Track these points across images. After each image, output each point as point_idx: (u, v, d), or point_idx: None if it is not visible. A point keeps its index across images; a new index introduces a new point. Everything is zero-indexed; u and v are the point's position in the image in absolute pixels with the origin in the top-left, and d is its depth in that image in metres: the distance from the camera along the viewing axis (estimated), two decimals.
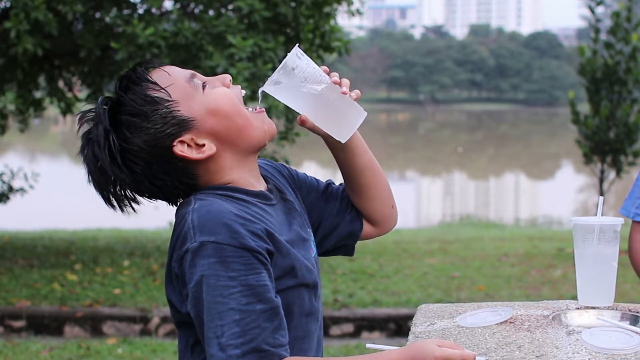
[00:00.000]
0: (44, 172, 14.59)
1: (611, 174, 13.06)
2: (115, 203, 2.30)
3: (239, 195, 2.23)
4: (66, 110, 12.33)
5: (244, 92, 2.34)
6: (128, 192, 2.29)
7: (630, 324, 2.51)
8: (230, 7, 10.16)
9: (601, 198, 2.73)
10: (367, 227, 2.57)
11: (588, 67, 12.90)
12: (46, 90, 12.40)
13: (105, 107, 2.24)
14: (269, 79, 2.30)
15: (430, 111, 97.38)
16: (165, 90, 2.22)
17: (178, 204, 2.30)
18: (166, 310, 8.49)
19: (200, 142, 2.23)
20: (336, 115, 2.36)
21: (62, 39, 10.17)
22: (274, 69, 9.58)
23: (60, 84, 12.32)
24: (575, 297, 2.72)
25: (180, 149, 2.22)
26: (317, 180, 2.58)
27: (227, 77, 2.32)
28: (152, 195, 2.30)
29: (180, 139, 2.22)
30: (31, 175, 12.78)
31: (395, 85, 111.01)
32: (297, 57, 2.31)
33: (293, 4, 10.02)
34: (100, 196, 2.30)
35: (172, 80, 2.24)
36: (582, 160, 13.26)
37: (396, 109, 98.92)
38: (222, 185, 2.26)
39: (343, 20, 12.10)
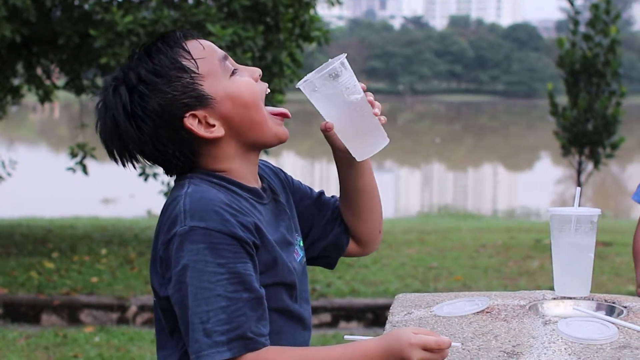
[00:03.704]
0: (22, 159, 14.51)
1: (589, 166, 13.11)
2: (116, 155, 2.29)
3: (233, 187, 2.24)
4: (44, 98, 12.27)
5: (268, 90, 2.35)
6: (131, 148, 2.27)
7: (606, 314, 2.53)
8: None
9: (578, 189, 2.74)
10: (351, 245, 2.58)
11: (567, 59, 12.94)
12: (24, 77, 12.34)
13: (135, 59, 2.25)
14: (308, 79, 2.31)
15: (409, 102, 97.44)
16: (195, 61, 2.23)
17: (174, 176, 2.31)
18: (144, 299, 8.48)
19: (212, 122, 2.23)
20: (362, 133, 2.37)
21: (41, 25, 10.12)
22: (253, 58, 9.62)
23: (39, 71, 12.26)
24: (552, 288, 2.73)
25: (190, 122, 2.22)
26: (310, 188, 2.59)
27: (258, 72, 2.33)
28: (152, 159, 2.28)
29: (194, 112, 2.22)
30: (9, 163, 12.71)
31: (375, 75, 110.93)
32: (342, 66, 2.30)
33: None
34: (103, 145, 2.29)
35: (204, 55, 2.25)
36: (560, 152, 13.30)
37: (375, 99, 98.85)
38: (219, 172, 2.26)
39: (323, 10, 12.09)
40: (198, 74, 2.23)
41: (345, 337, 2.29)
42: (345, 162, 2.49)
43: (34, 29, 10.03)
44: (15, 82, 12.47)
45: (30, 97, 13.23)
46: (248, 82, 2.28)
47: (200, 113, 2.22)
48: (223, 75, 2.26)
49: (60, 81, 12.76)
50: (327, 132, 2.39)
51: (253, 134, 2.28)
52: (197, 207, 2.12)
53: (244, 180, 2.28)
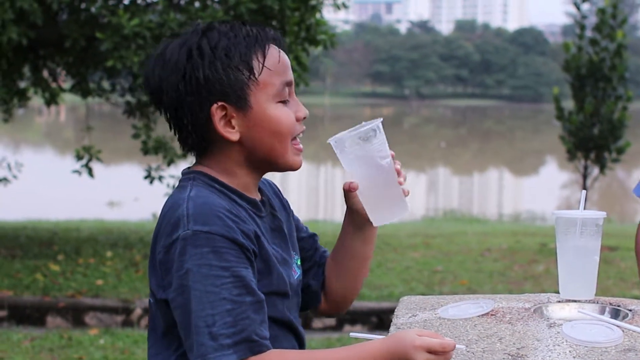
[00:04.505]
0: (28, 162, 14.53)
1: (595, 171, 13.09)
2: (153, 91, 2.26)
3: (233, 196, 2.23)
4: (50, 100, 12.28)
5: (302, 134, 2.32)
6: (165, 94, 2.23)
7: (611, 317, 2.52)
8: None
9: (584, 192, 2.74)
10: (322, 297, 2.58)
11: (573, 64, 12.92)
12: (30, 80, 12.35)
13: (230, 26, 2.24)
14: (340, 137, 2.31)
15: (414, 106, 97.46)
16: (263, 68, 2.22)
17: (184, 151, 2.31)
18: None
19: (234, 124, 2.22)
20: (384, 198, 2.38)
21: (47, 28, 10.13)
22: None
23: (45, 74, 12.27)
24: (557, 291, 2.72)
25: (215, 110, 2.20)
26: (306, 227, 2.58)
27: (305, 113, 2.31)
28: (170, 120, 2.26)
29: (225, 105, 2.20)
30: (15, 165, 12.72)
31: (380, 79, 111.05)
32: (378, 130, 2.31)
33: None
34: (144, 76, 2.28)
35: (275, 68, 2.24)
36: (566, 157, 13.28)
37: (381, 103, 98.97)
38: (222, 173, 2.26)
39: (329, 13, 12.11)
40: (256, 80, 2.21)
41: (351, 334, 2.31)
42: (355, 224, 2.49)
43: (41, 32, 10.03)
44: (22, 84, 12.49)
45: (36, 100, 13.25)
46: (290, 115, 2.26)
47: (230, 110, 2.21)
48: (274, 96, 2.23)
49: (67, 84, 12.77)
50: (350, 192, 2.40)
51: (265, 157, 2.27)
52: (201, 212, 2.12)
53: (245, 190, 2.28)
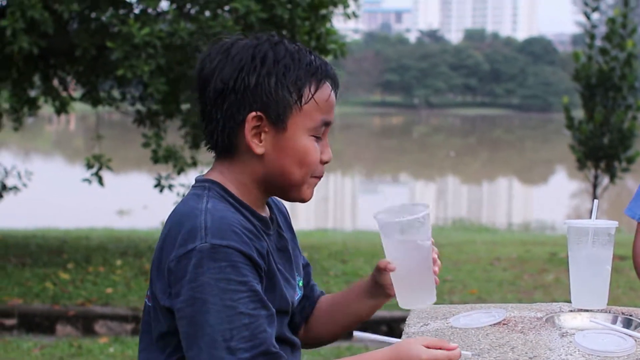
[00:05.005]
0: (38, 170, 14.56)
1: (605, 180, 13.07)
2: (203, 77, 2.26)
3: (246, 212, 2.24)
4: (60, 109, 12.30)
5: (319, 179, 2.34)
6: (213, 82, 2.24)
7: (623, 326, 2.52)
8: (226, 8, 10.16)
9: (596, 201, 2.74)
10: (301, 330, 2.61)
11: (583, 73, 12.91)
12: (41, 89, 12.39)
13: (299, 47, 2.27)
14: (389, 221, 2.35)
15: (424, 115, 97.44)
16: (309, 100, 2.24)
17: (210, 151, 2.31)
18: None
19: (263, 138, 2.24)
20: (417, 284, 2.41)
21: (58, 37, 10.15)
22: None
23: (55, 83, 12.30)
24: (567, 301, 2.72)
25: (251, 118, 2.21)
26: (303, 256, 2.60)
27: (329, 158, 2.32)
28: (208, 110, 2.26)
29: (263, 116, 2.21)
30: (25, 174, 12.75)
31: (390, 88, 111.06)
32: (426, 218, 2.33)
33: (289, 6, 10.02)
34: (199, 60, 2.29)
35: (322, 104, 2.26)
36: (576, 166, 13.26)
37: (390, 112, 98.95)
38: (235, 190, 2.26)
39: (339, 23, 12.12)
40: (300, 107, 2.23)
41: (355, 333, 2.31)
42: (372, 294, 2.54)
43: (52, 41, 10.06)
44: (32, 93, 12.52)
45: (46, 109, 13.28)
46: (317, 151, 2.28)
47: (265, 124, 2.22)
48: (310, 130, 2.25)
49: (77, 93, 12.80)
50: (383, 271, 2.43)
51: (280, 181, 2.28)
52: (219, 226, 2.12)
53: (254, 206, 2.29)
